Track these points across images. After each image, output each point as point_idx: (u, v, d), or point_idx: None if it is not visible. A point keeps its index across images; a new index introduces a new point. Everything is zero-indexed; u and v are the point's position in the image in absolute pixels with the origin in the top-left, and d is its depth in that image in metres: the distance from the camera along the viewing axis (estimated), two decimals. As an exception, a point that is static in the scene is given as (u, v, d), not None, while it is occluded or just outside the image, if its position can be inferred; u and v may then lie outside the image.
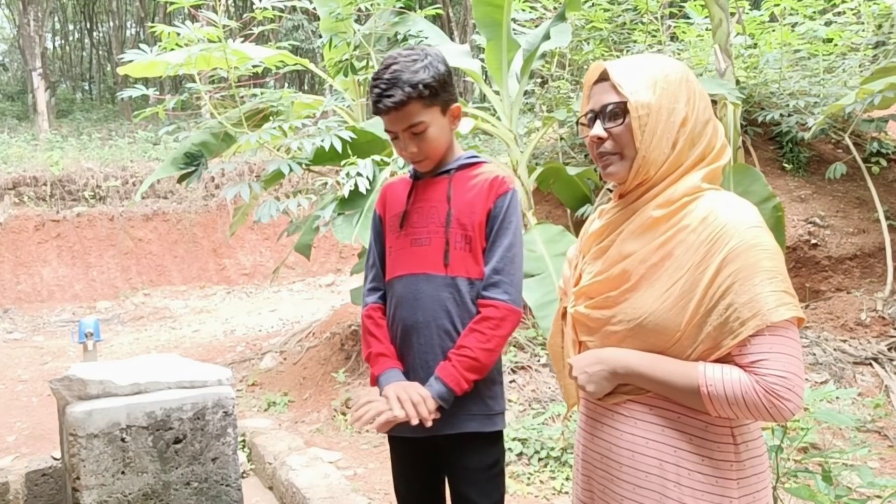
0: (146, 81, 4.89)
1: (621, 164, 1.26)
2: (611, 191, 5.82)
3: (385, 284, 1.76)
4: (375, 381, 1.68)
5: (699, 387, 1.15)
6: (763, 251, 1.14)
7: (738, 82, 5.70)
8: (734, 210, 1.18)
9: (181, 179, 4.88)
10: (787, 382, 1.11)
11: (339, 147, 4.21)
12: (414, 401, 1.53)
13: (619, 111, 1.24)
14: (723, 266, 1.14)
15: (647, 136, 1.22)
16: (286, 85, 19.82)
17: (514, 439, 3.47)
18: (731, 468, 1.18)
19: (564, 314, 1.51)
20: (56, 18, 26.44)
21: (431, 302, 1.64)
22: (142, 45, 4.38)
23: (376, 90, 1.60)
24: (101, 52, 27.67)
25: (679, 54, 6.82)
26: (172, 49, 4.47)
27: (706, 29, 6.51)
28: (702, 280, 1.15)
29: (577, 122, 1.32)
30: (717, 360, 1.17)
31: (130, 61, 4.66)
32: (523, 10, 6.35)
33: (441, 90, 1.63)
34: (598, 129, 1.27)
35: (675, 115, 1.22)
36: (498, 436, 1.71)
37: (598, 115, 1.28)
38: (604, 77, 1.28)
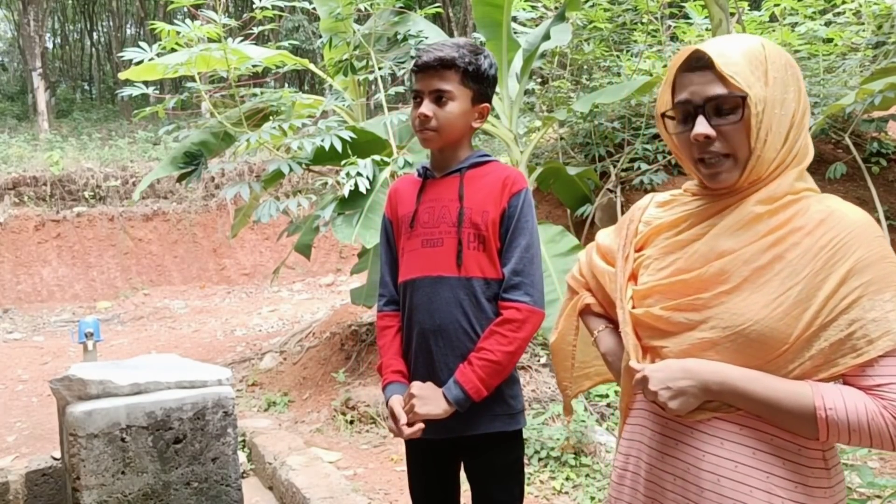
0: (146, 81, 4.89)
1: (735, 170, 1.09)
2: (611, 191, 5.79)
3: (399, 286, 1.72)
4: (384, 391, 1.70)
5: (815, 410, 1.01)
6: (893, 264, 1.03)
7: (738, 82, 5.69)
8: (857, 216, 1.06)
9: (181, 179, 4.88)
10: None
11: (339, 147, 4.20)
12: (402, 412, 1.57)
13: (733, 106, 1.06)
14: (848, 276, 1.01)
15: (762, 133, 1.06)
16: (286, 85, 19.81)
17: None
18: (825, 495, 1.07)
19: (584, 310, 1.41)
20: (56, 18, 26.46)
21: (448, 305, 1.60)
22: (141, 44, 4.36)
23: (428, 49, 1.62)
24: (100, 52, 27.67)
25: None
26: (172, 48, 4.47)
27: (706, 29, 6.50)
28: (821, 289, 1.02)
29: (661, 116, 1.16)
30: (823, 380, 1.05)
31: (130, 61, 4.66)
32: (523, 10, 6.36)
33: (481, 81, 1.64)
34: (703, 126, 1.07)
35: (786, 106, 1.07)
36: (519, 433, 1.70)
37: (697, 108, 1.09)
38: (699, 64, 1.09)
